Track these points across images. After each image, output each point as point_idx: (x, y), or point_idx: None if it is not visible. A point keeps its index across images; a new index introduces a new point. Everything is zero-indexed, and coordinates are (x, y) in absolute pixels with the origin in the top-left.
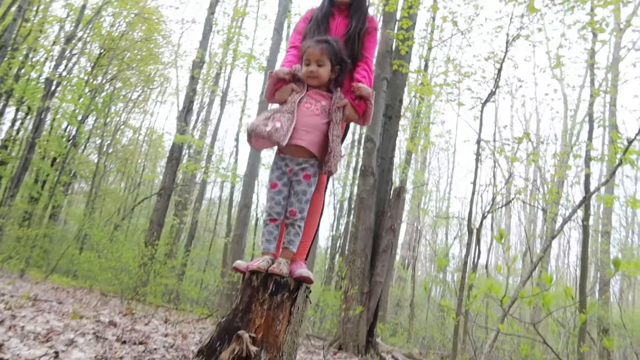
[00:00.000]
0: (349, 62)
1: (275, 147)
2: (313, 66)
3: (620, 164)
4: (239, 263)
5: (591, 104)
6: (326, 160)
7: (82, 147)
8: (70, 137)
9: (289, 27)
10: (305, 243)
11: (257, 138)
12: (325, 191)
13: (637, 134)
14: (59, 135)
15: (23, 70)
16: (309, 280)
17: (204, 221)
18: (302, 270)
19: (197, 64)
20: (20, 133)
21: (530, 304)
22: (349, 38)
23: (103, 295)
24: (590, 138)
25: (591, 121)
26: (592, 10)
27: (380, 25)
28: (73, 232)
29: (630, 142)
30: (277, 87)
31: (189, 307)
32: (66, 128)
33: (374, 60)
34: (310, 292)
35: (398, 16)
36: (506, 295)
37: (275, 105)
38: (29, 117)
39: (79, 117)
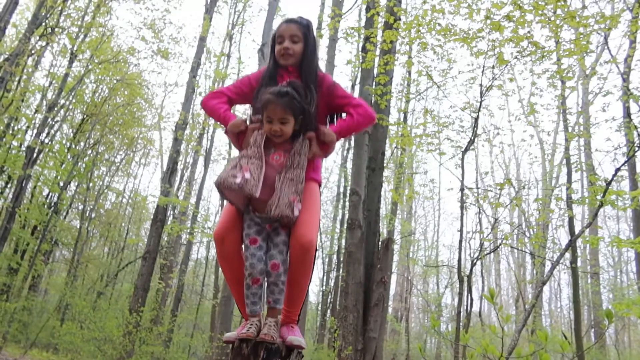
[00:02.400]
0: (312, 112)
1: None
2: (276, 125)
3: (601, 205)
4: (228, 336)
5: (567, 148)
6: (269, 204)
7: (64, 214)
8: (52, 204)
9: None
10: (297, 304)
11: (228, 192)
12: (315, 255)
13: (614, 176)
14: (40, 203)
15: (4, 140)
16: (301, 348)
17: (191, 283)
18: (293, 337)
19: (180, 126)
20: (0, 202)
21: None
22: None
23: None
24: (569, 181)
25: (569, 164)
26: (558, 60)
27: (358, 81)
28: (54, 302)
29: (608, 183)
30: (241, 138)
31: None
32: (48, 195)
33: None
34: (302, 357)
35: (375, 72)
36: (502, 355)
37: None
38: (9, 186)
39: (61, 184)
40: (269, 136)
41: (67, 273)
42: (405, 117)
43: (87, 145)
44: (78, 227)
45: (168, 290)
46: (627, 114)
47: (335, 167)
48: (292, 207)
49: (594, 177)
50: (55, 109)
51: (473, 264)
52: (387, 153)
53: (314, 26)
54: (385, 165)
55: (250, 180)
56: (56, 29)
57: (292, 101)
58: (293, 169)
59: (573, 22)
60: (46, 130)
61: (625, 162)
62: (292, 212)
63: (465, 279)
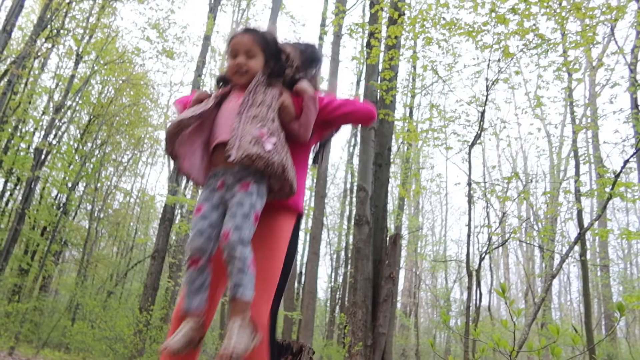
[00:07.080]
0: (285, 56)
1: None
2: (241, 58)
3: (610, 197)
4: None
5: (574, 140)
6: (228, 150)
7: (73, 214)
8: (61, 205)
9: None
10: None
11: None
12: (292, 235)
13: (622, 167)
14: (49, 204)
15: (12, 142)
16: None
17: None
18: None
19: None
20: (9, 204)
21: (539, 355)
22: None
23: None
24: (577, 174)
25: (577, 157)
26: (564, 52)
27: (363, 76)
28: (64, 302)
29: (617, 175)
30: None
31: None
32: (56, 196)
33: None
34: (314, 353)
35: (380, 68)
36: (514, 349)
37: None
38: (18, 187)
39: (69, 184)
40: (231, 76)
41: (77, 273)
42: (411, 112)
43: (94, 146)
44: (87, 227)
45: (177, 288)
46: (635, 105)
47: (342, 163)
48: (262, 143)
49: (602, 169)
50: (62, 110)
51: (481, 258)
52: (394, 148)
53: (318, 23)
54: (391, 160)
55: (193, 165)
56: (61, 31)
57: (262, 37)
58: (255, 106)
59: (579, 14)
60: (53, 132)
61: (634, 153)
62: (263, 147)
63: (474, 273)
